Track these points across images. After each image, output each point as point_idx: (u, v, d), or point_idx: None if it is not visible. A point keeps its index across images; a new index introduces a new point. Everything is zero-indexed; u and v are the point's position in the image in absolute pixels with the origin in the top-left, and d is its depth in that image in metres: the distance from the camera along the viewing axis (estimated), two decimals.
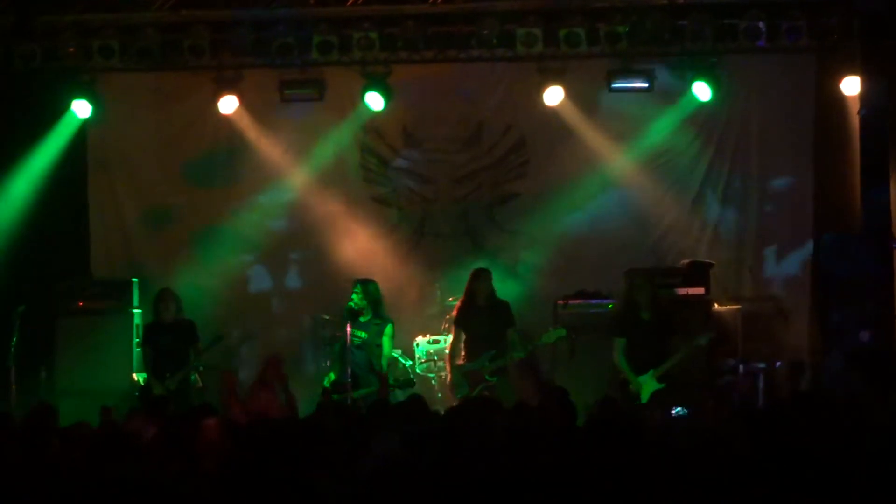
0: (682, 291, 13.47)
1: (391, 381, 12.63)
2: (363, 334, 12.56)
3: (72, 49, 13.87)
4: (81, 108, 14.33)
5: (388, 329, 12.63)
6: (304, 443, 6.54)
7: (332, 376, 12.64)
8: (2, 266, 14.41)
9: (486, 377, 12.53)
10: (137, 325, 13.86)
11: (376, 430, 6.89)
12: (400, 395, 12.31)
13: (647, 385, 12.04)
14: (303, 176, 14.88)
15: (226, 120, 14.55)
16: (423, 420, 7.77)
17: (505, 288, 13.57)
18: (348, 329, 12.42)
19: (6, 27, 13.86)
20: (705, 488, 5.48)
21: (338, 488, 5.51)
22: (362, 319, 12.60)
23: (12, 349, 12.85)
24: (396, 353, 13.55)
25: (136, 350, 13.64)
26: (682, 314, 12.92)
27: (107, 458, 6.36)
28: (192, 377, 12.91)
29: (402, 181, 15.00)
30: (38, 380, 13.41)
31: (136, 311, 13.98)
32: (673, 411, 11.28)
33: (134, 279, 14.16)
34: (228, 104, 14.33)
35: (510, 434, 6.78)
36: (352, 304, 12.56)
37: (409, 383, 12.83)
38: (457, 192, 14.96)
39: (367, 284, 12.72)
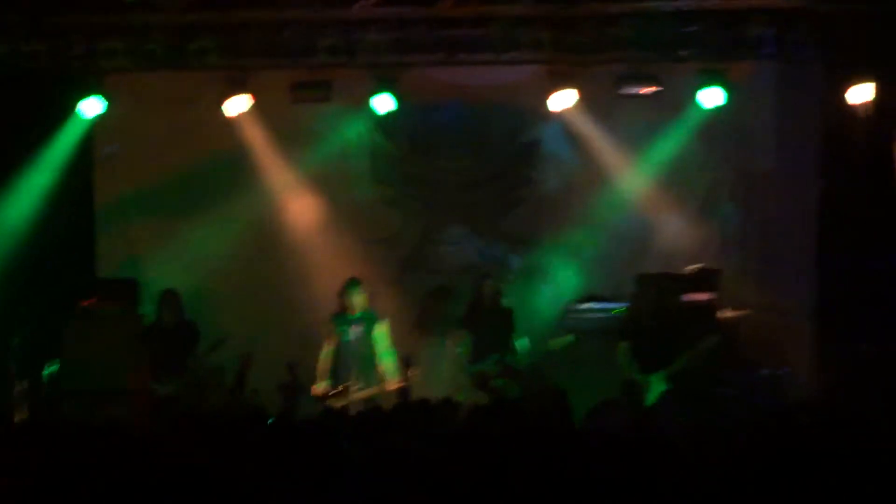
0: (688, 297, 13.44)
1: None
2: (362, 331, 12.63)
3: (78, 50, 13.84)
4: (88, 109, 14.31)
5: (383, 325, 12.69)
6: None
7: (328, 381, 12.64)
8: (8, 266, 14.42)
9: (492, 380, 12.57)
10: (142, 326, 13.85)
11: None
12: None
13: (656, 385, 12.04)
14: (310, 177, 14.88)
15: (233, 121, 14.54)
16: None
17: (512, 293, 13.62)
18: (356, 329, 12.51)
19: (13, 27, 13.85)
20: (707, 494, 5.46)
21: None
22: (358, 316, 12.64)
23: (13, 349, 12.86)
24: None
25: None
26: (688, 320, 12.92)
27: (108, 456, 6.34)
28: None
29: (408, 186, 15.00)
30: (40, 380, 13.40)
31: (141, 311, 13.97)
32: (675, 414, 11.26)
33: (139, 279, 14.16)
34: (236, 106, 14.32)
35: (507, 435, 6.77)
36: (352, 301, 12.63)
37: None
38: (463, 198, 14.96)
39: (360, 284, 12.78)
